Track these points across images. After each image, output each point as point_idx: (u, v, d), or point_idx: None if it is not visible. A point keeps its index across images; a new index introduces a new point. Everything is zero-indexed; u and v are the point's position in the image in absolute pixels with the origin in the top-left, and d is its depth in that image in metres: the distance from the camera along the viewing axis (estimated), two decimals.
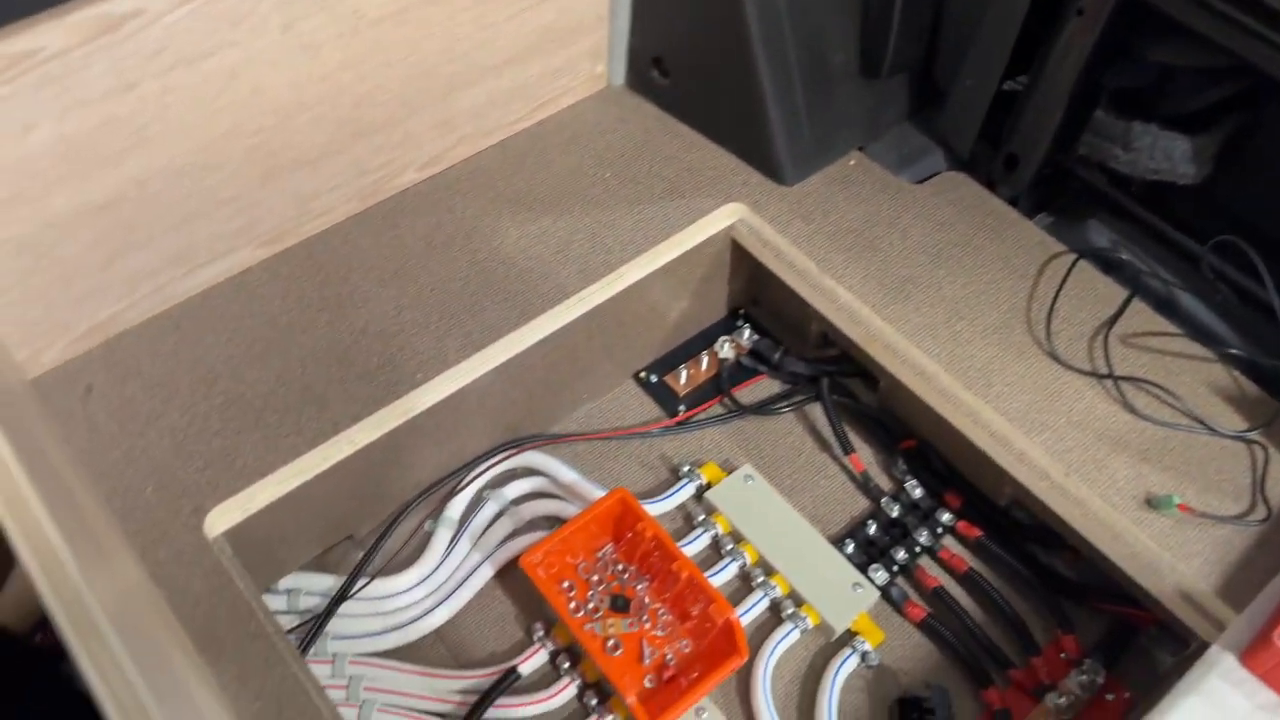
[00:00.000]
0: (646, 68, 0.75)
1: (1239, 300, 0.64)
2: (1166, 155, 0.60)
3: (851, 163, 0.74)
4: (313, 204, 0.65)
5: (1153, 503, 0.58)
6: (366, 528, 0.66)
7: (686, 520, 0.69)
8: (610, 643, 0.61)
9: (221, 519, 0.55)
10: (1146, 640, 0.65)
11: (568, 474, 0.69)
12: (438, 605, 0.65)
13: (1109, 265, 0.69)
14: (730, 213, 0.71)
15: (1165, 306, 0.67)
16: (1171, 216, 0.67)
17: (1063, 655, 0.64)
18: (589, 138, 0.73)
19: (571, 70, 0.74)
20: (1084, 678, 0.62)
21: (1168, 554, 0.56)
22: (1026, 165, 0.69)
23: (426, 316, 0.63)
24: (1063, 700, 0.62)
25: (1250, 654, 0.51)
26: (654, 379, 0.76)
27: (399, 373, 0.61)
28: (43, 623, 0.59)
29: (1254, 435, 0.61)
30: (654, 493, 0.69)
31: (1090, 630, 0.65)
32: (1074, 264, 0.67)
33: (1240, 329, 0.65)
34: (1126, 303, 0.65)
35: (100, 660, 0.36)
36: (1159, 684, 0.63)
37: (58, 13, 0.47)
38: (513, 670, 0.62)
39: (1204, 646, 0.54)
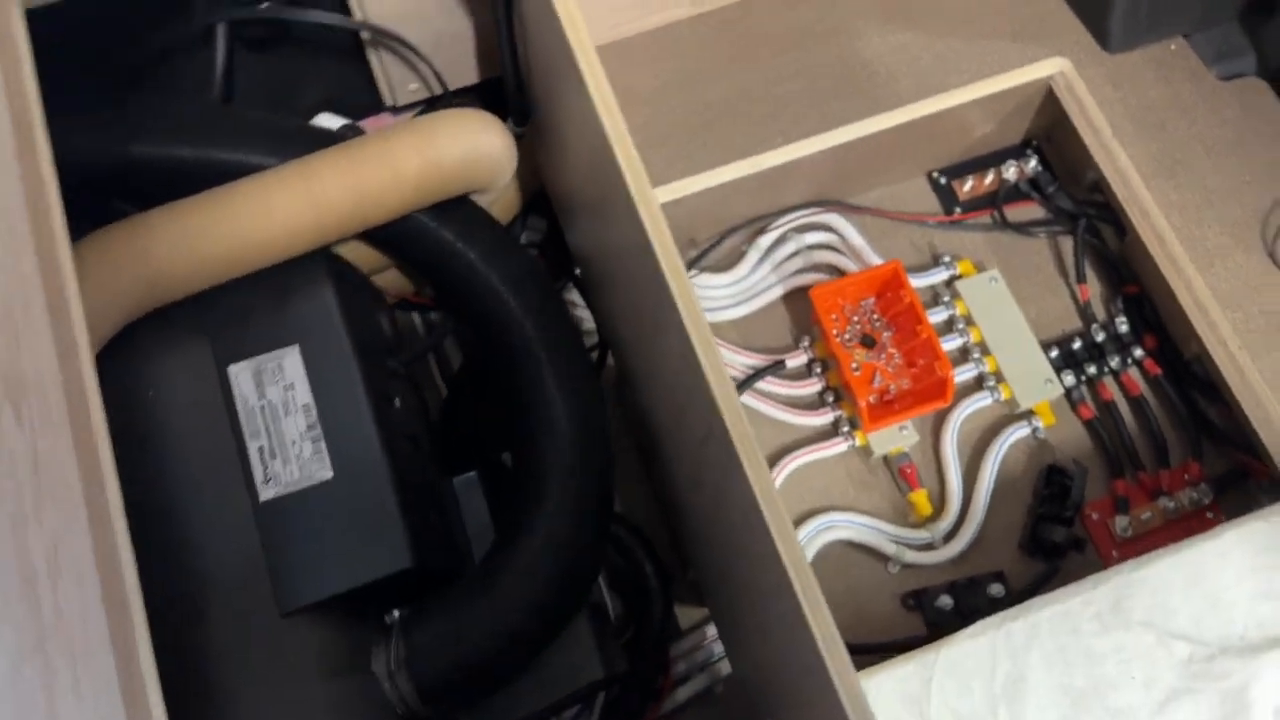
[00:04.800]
0: None
1: None
2: None
3: (1172, 47, 0.86)
4: None
5: None
6: (704, 235, 0.91)
7: (934, 298, 0.90)
8: (853, 365, 0.85)
9: None
10: (1257, 488, 0.83)
11: (855, 237, 0.90)
12: (738, 304, 0.90)
13: None
14: (1054, 65, 0.85)
15: None
16: None
17: (1185, 476, 0.83)
18: None
19: None
20: (1195, 495, 0.82)
21: None
22: None
23: (794, 93, 0.83)
24: (1171, 505, 0.82)
25: None
26: (943, 180, 0.94)
27: (764, 133, 0.82)
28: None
29: None
30: (916, 269, 0.90)
31: (1215, 467, 0.84)
32: None
33: None
34: None
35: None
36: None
37: None
38: (781, 362, 0.87)
39: None
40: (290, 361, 0.59)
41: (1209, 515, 0.82)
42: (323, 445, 0.57)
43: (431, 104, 0.84)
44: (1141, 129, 0.83)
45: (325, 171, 0.59)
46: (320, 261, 0.61)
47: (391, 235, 0.64)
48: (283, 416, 0.58)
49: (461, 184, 0.64)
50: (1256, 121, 0.83)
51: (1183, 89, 0.84)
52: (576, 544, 0.61)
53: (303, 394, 0.58)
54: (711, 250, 0.90)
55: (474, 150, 0.63)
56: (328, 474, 0.57)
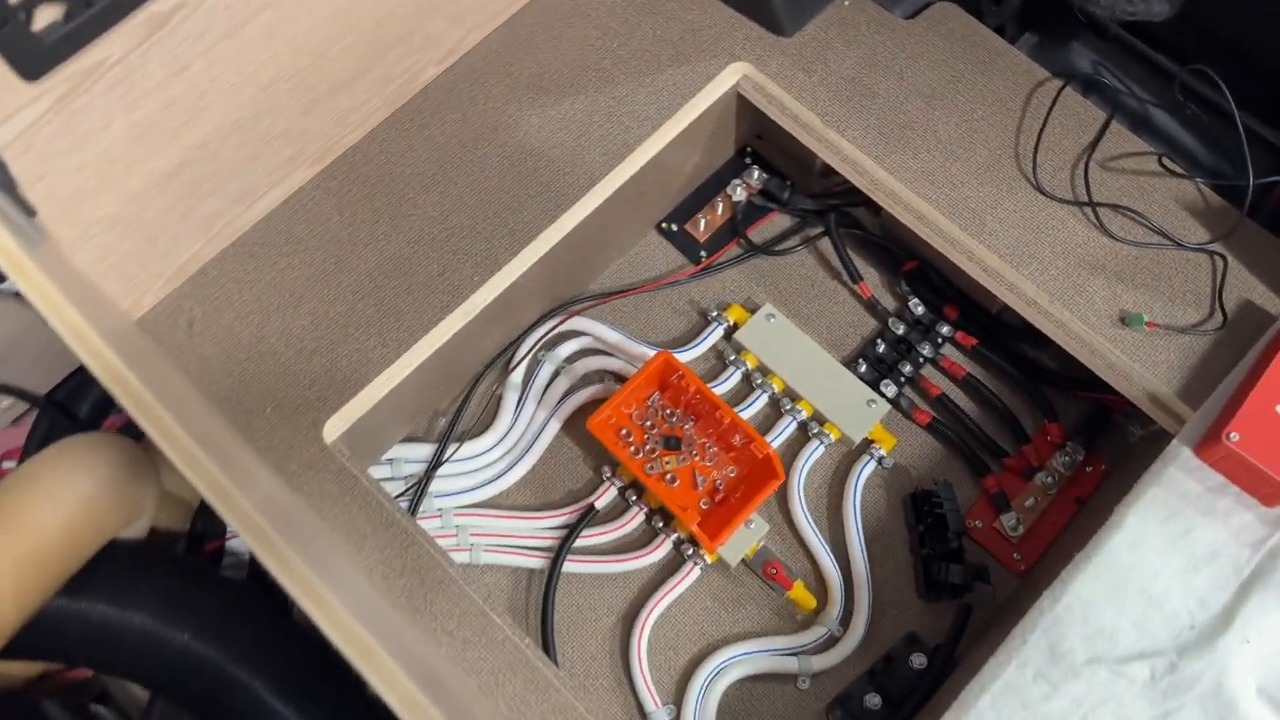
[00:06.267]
0: None
1: (1207, 117, 0.69)
2: None
3: (846, 2, 0.77)
4: (350, 118, 0.69)
5: (1125, 320, 0.67)
6: (446, 400, 0.76)
7: (719, 359, 0.78)
8: (668, 477, 0.73)
9: (335, 426, 0.64)
10: (1121, 417, 0.76)
11: (610, 334, 0.77)
12: (519, 459, 0.75)
13: (1089, 86, 0.73)
14: (735, 71, 0.75)
15: (1142, 125, 0.73)
16: (1149, 36, 0.72)
17: (1049, 440, 0.75)
18: (591, 6, 0.76)
19: None
20: (1066, 458, 0.74)
21: (1137, 364, 0.66)
22: None
23: (472, 219, 0.69)
24: (1049, 479, 0.74)
25: (1202, 447, 0.62)
26: (675, 228, 0.82)
27: (457, 277, 0.68)
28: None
29: (1215, 246, 0.68)
30: (687, 338, 0.78)
31: (1071, 415, 0.76)
32: (1059, 93, 0.72)
33: (1209, 143, 0.71)
34: (1105, 126, 0.71)
35: (271, 556, 0.44)
36: (1130, 455, 0.75)
37: (115, 24, 0.51)
38: (590, 507, 0.73)
39: (1165, 434, 0.65)
40: None
41: (1088, 470, 0.74)
42: None
43: (49, 404, 0.66)
44: (852, 105, 0.73)
45: None
46: None
47: (22, 648, 0.46)
48: None
49: (84, 550, 0.46)
50: (962, 48, 0.75)
51: (877, 45, 0.75)
52: None
53: None
54: (461, 412, 0.75)
55: (81, 507, 0.46)
56: None
